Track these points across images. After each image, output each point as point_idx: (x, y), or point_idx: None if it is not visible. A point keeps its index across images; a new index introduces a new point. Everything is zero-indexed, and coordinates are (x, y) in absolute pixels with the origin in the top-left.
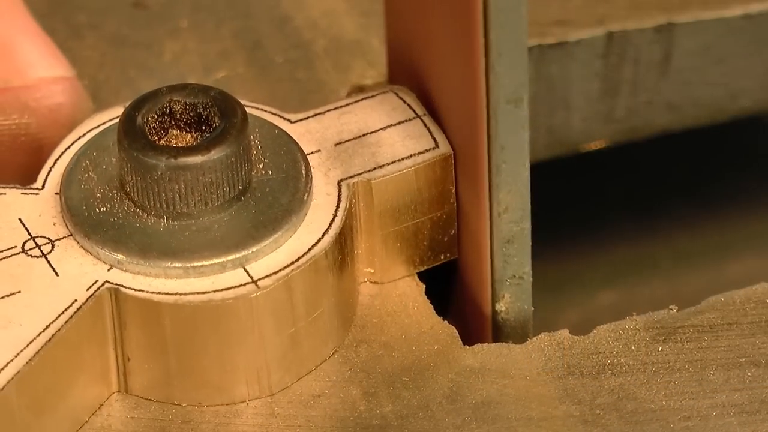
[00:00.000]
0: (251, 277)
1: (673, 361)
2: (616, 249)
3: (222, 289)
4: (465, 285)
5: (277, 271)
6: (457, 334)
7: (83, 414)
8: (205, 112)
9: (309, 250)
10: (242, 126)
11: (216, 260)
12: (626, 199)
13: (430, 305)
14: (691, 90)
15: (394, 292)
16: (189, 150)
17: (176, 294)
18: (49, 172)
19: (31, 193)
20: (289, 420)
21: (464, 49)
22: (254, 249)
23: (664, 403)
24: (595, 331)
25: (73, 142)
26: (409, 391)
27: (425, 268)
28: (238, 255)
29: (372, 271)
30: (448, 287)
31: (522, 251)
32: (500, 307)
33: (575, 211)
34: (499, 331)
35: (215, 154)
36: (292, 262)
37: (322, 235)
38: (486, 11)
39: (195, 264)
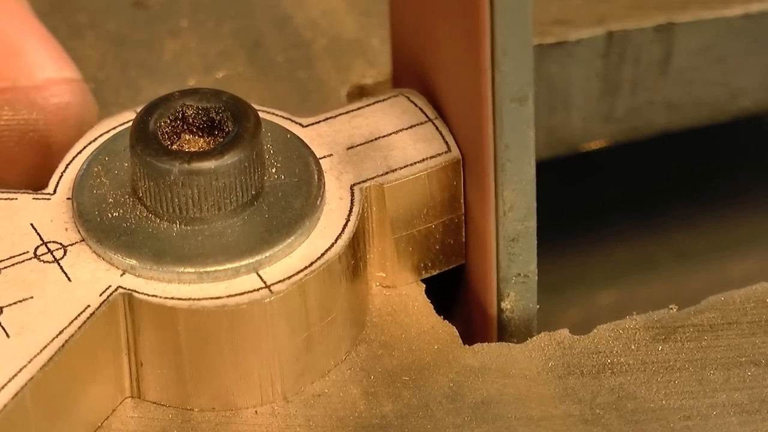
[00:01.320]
0: (265, 282)
1: (673, 361)
2: (616, 249)
3: (236, 294)
4: (470, 283)
5: (291, 276)
6: (458, 334)
7: (96, 419)
8: (218, 117)
9: (323, 254)
10: (255, 130)
11: (230, 265)
12: (626, 199)
13: (430, 305)
14: (691, 89)
15: (394, 291)
16: (202, 155)
17: (190, 299)
18: (60, 177)
19: (43, 199)
20: (289, 419)
21: (470, 49)
22: (268, 254)
23: (664, 402)
24: (595, 330)
25: (84, 147)
26: (409, 390)
27: (436, 272)
28: (251, 260)
29: (384, 275)
30: (451, 286)
31: (527, 249)
32: (505, 305)
33: (575, 211)
34: (503, 330)
35: (229, 159)
36: (306, 267)
37: (336, 240)
38: (492, 10)
39: (208, 269)
